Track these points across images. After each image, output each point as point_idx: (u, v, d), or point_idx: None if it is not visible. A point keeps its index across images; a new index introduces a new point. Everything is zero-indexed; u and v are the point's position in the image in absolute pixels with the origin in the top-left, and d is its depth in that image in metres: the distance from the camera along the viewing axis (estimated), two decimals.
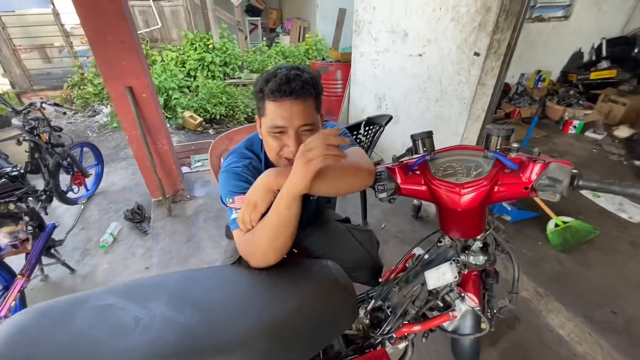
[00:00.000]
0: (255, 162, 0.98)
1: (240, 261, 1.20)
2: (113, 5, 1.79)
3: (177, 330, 0.63)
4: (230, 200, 0.89)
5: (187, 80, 5.05)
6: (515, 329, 1.65)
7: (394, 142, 2.53)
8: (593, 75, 3.98)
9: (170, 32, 5.89)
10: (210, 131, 4.46)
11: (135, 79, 2.05)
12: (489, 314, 1.10)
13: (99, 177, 2.93)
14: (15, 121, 2.23)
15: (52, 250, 1.95)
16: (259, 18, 8.71)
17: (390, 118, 1.81)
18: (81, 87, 4.97)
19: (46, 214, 2.10)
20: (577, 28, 3.92)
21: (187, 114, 4.45)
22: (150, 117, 2.22)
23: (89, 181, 2.83)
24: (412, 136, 0.87)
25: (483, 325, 1.08)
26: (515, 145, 0.79)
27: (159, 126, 2.29)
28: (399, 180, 0.89)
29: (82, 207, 2.52)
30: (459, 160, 0.85)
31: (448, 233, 0.93)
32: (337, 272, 0.85)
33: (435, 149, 0.88)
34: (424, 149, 0.85)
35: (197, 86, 4.91)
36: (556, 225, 1.99)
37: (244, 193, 0.87)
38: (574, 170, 0.70)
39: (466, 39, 1.75)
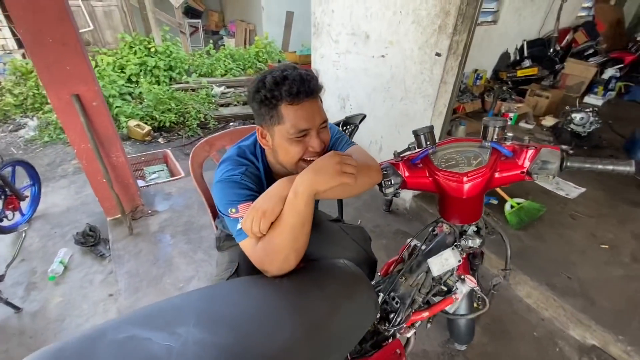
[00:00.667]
0: (252, 168, 0.94)
1: (237, 272, 1.14)
2: (53, 3, 1.59)
3: (215, 352, 0.58)
4: (234, 210, 0.84)
5: (128, 87, 4.64)
6: (491, 303, 1.80)
7: (361, 139, 2.60)
8: (519, 73, 4.52)
9: (104, 34, 5.36)
10: (160, 140, 4.16)
11: (83, 86, 1.83)
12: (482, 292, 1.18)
13: (35, 199, 2.56)
14: None
15: None
16: (199, 20, 8.33)
17: (364, 117, 1.86)
18: None
19: None
20: (504, 31, 4.42)
21: (132, 123, 4.10)
22: (103, 127, 2.00)
23: (25, 205, 2.46)
24: (414, 131, 0.90)
25: (476, 305, 1.17)
26: (509, 134, 0.87)
27: (112, 137, 2.07)
28: (404, 175, 0.92)
29: (24, 234, 2.18)
30: (459, 151, 0.91)
31: (449, 220, 0.98)
32: (355, 270, 0.86)
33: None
34: (427, 142, 0.89)
35: (141, 92, 4.54)
36: (511, 206, 2.22)
37: (248, 200, 0.84)
38: (563, 153, 0.80)
39: (427, 40, 1.87)
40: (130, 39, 4.89)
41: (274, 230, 0.78)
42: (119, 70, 4.73)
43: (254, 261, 0.83)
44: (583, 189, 2.53)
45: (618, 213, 2.34)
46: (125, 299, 1.82)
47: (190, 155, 1.29)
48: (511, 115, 3.79)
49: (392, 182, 0.91)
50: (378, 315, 1.08)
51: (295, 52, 3.66)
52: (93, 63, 4.56)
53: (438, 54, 1.83)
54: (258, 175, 0.93)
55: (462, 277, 1.07)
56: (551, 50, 4.62)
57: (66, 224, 2.48)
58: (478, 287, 1.06)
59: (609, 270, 1.85)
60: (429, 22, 1.81)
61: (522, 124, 3.83)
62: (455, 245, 1.00)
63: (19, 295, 1.90)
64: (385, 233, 2.31)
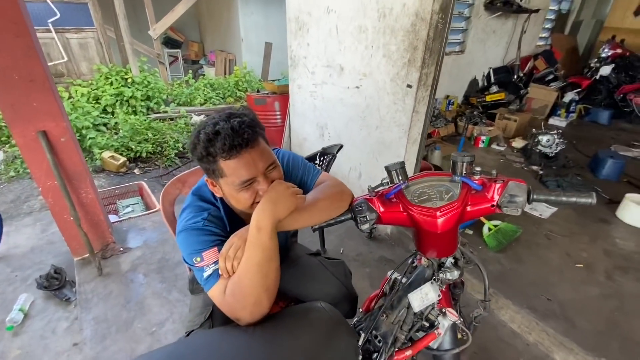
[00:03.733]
0: (214, 211, 0.91)
1: (212, 317, 1.08)
2: (21, 40, 1.55)
3: None
4: (199, 259, 0.81)
5: (103, 118, 4.56)
6: (474, 335, 1.78)
7: (340, 167, 2.62)
8: (488, 98, 4.77)
9: (79, 66, 5.30)
10: (136, 171, 4.04)
11: (51, 122, 1.76)
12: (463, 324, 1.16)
13: None
14: None
15: None
16: (179, 50, 8.44)
17: (341, 147, 1.88)
18: None
19: None
20: (471, 60, 4.70)
21: (106, 154, 3.98)
22: (71, 163, 1.92)
23: None
24: (386, 167, 0.91)
25: (460, 336, 1.14)
26: (477, 168, 0.89)
27: (82, 173, 1.99)
28: (379, 210, 0.92)
29: None
30: (431, 185, 0.92)
31: (426, 254, 0.98)
32: (333, 314, 0.82)
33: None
34: (399, 178, 0.90)
35: (117, 123, 4.46)
36: (489, 229, 2.26)
37: (213, 246, 0.82)
38: (529, 186, 0.82)
39: (398, 73, 1.95)
40: (106, 69, 4.86)
41: (241, 271, 0.76)
42: (94, 101, 4.66)
43: (225, 310, 0.79)
44: (554, 209, 2.62)
45: (589, 231, 2.42)
46: (90, 349, 1.67)
47: (162, 194, 1.25)
48: (483, 138, 3.95)
49: (368, 218, 0.91)
50: (360, 358, 1.04)
51: (274, 81, 3.72)
52: (66, 94, 4.49)
53: (409, 86, 1.90)
54: (221, 217, 0.90)
55: (444, 310, 1.05)
56: (515, 76, 4.93)
57: (29, 266, 2.31)
58: (460, 320, 1.04)
59: (586, 289, 1.88)
60: (399, 56, 1.90)
61: (494, 146, 3.99)
62: (435, 279, 0.99)
63: None
64: (369, 261, 2.28)
